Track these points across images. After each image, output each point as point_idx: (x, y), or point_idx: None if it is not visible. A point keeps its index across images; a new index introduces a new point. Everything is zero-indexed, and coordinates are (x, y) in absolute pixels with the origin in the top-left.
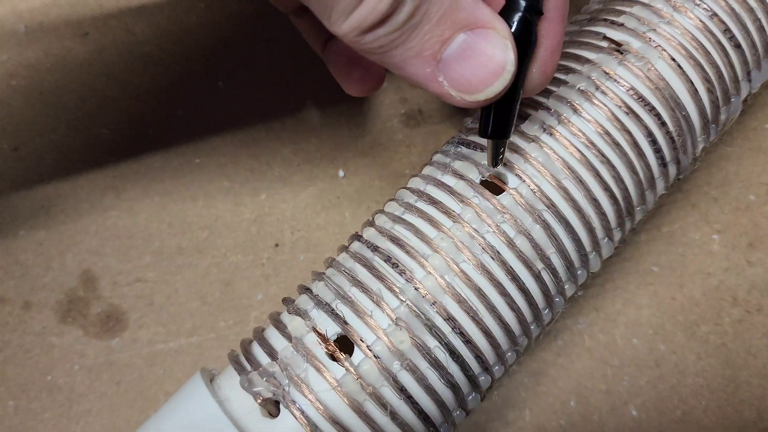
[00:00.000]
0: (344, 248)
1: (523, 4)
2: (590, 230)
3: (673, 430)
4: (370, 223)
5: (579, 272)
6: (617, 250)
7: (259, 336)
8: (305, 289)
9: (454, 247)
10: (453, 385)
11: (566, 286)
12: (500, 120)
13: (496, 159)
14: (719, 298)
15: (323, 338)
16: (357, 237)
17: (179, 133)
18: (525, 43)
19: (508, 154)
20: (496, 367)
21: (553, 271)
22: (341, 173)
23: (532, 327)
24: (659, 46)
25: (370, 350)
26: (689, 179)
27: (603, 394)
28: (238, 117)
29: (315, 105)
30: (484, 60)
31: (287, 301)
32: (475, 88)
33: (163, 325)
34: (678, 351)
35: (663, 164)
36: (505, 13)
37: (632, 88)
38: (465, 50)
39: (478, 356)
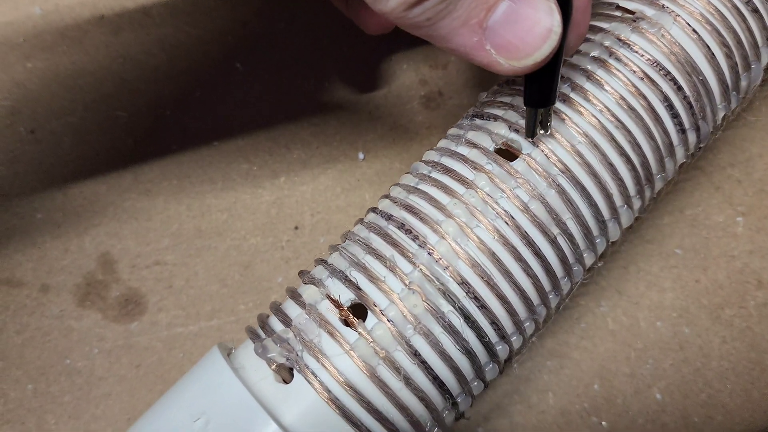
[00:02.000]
0: (359, 221)
1: None
2: (607, 196)
3: (697, 413)
4: (385, 196)
5: (597, 240)
6: (640, 232)
7: (276, 308)
8: (321, 261)
9: (467, 213)
10: (468, 352)
11: (585, 255)
12: (545, 86)
13: (533, 128)
14: (744, 281)
15: (337, 304)
16: (372, 209)
17: (197, 115)
18: (564, 5)
19: (520, 121)
20: (514, 337)
21: (570, 237)
22: (361, 155)
23: (550, 296)
24: (673, 12)
25: (383, 315)
26: (712, 161)
27: (627, 377)
28: (256, 99)
29: (334, 87)
30: (530, 24)
31: (303, 273)
32: (524, 53)
33: (182, 309)
34: (702, 334)
35: (682, 130)
36: None
37: (646, 53)
38: (510, 15)
39: (494, 322)
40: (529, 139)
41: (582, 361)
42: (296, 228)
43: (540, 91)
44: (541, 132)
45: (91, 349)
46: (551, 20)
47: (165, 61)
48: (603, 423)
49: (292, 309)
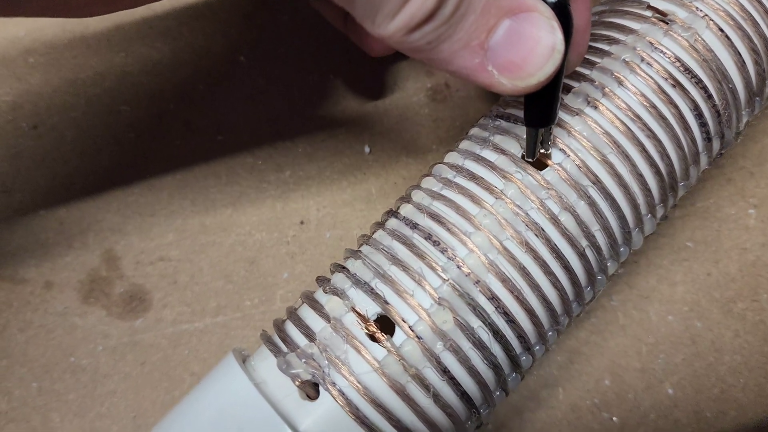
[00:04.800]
0: (379, 225)
1: None
2: (635, 206)
3: (710, 408)
4: (407, 200)
5: (622, 249)
6: None
7: (293, 316)
8: (341, 268)
9: (497, 224)
10: (495, 366)
11: (609, 264)
12: (546, 106)
13: (534, 149)
14: (756, 274)
15: (363, 318)
16: (393, 214)
17: (200, 109)
18: (565, 24)
19: None
20: (537, 347)
21: (597, 249)
22: (367, 149)
23: (573, 306)
24: (706, 15)
25: (412, 330)
26: (724, 153)
27: (638, 372)
28: (261, 92)
29: (339, 79)
30: (532, 43)
31: (322, 280)
32: (527, 73)
33: (187, 305)
34: (714, 328)
35: (708, 139)
36: None
37: (678, 60)
38: (512, 36)
39: (521, 336)
40: (530, 159)
41: (592, 356)
42: (302, 223)
43: (540, 111)
44: (542, 151)
45: (95, 347)
46: (553, 39)
47: (168, 55)
48: (614, 418)
49: (313, 320)
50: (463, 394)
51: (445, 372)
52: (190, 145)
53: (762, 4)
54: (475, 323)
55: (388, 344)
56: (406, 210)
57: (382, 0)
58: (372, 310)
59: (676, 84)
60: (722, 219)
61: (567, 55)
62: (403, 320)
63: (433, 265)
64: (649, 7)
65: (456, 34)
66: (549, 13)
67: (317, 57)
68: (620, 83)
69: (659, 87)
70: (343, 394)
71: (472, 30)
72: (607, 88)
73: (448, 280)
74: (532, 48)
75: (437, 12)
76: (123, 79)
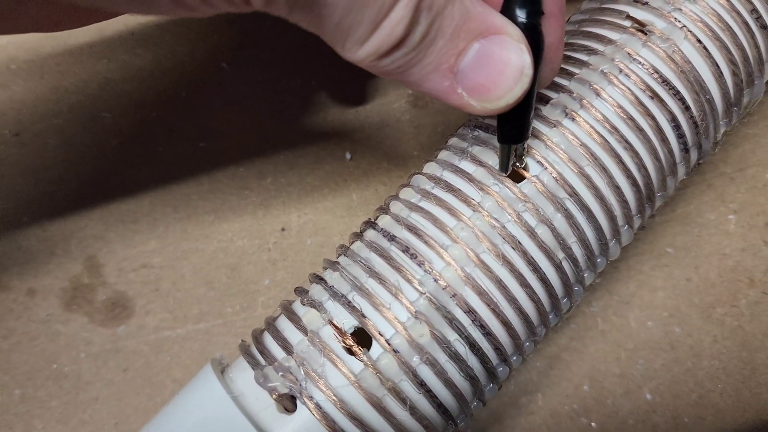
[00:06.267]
0: (357, 236)
1: (524, 8)
2: (612, 218)
3: (688, 413)
4: (385, 210)
5: (599, 260)
6: None
7: (271, 327)
8: (319, 279)
9: (474, 238)
10: (472, 378)
11: (585, 275)
12: (518, 124)
13: (507, 164)
14: (736, 280)
15: (340, 332)
16: (371, 224)
17: (183, 116)
18: (535, 45)
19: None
20: (514, 358)
21: (574, 261)
22: (348, 155)
23: (550, 317)
24: (684, 26)
25: (389, 344)
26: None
27: (617, 378)
28: (243, 98)
29: (321, 86)
30: (500, 66)
31: (300, 291)
32: (495, 95)
33: (169, 312)
34: (693, 333)
35: (685, 149)
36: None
37: (656, 71)
38: (481, 58)
39: (498, 348)
40: (504, 174)
41: (572, 361)
42: (283, 229)
43: (513, 128)
44: (516, 166)
45: (78, 354)
46: (522, 61)
47: (150, 61)
48: (593, 424)
49: (290, 332)
50: (439, 406)
51: (421, 385)
52: (172, 152)
53: (740, 15)
54: (452, 336)
55: (364, 358)
56: (384, 221)
57: (351, 27)
58: (349, 323)
59: (654, 95)
60: (702, 224)
61: (538, 73)
62: (380, 334)
63: (410, 278)
64: (628, 17)
65: (426, 59)
66: (518, 35)
67: (299, 63)
68: (598, 95)
69: (637, 99)
70: (320, 407)
71: (441, 54)
72: (585, 100)
73: (425, 294)
74: (501, 71)
75: (406, 39)
76: (106, 86)
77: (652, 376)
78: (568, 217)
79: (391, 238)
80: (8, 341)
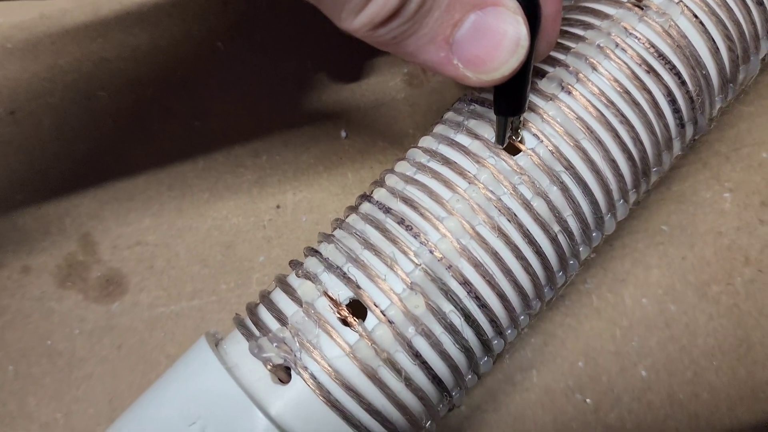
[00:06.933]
0: (352, 209)
1: None
2: (607, 192)
3: (683, 391)
4: (380, 183)
5: (594, 234)
6: None
7: (266, 300)
8: (314, 252)
9: (469, 210)
10: (467, 350)
11: (581, 249)
12: (514, 96)
13: (504, 136)
14: (731, 258)
15: (335, 303)
16: (367, 198)
17: (178, 95)
18: (532, 16)
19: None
20: (509, 331)
21: (570, 234)
22: (343, 133)
23: (545, 290)
24: (681, 1)
25: (384, 315)
26: (700, 137)
27: (612, 355)
28: (238, 78)
29: (316, 65)
30: (497, 37)
31: (295, 264)
32: (491, 67)
33: (163, 289)
34: (689, 311)
35: (681, 125)
36: None
37: (653, 46)
38: (477, 30)
39: (493, 320)
40: (500, 146)
41: (567, 339)
42: (278, 207)
43: (509, 100)
44: (512, 138)
45: (72, 331)
46: (518, 32)
47: (146, 41)
48: (588, 401)
49: (285, 304)
50: (434, 378)
51: (416, 356)
52: (167, 131)
53: None
54: (447, 308)
55: (360, 329)
56: (379, 194)
57: None
58: (344, 294)
59: (650, 70)
60: (698, 203)
61: (535, 45)
62: (375, 305)
63: (406, 249)
64: None
65: (421, 30)
66: (515, 6)
67: (294, 42)
68: (594, 68)
69: (633, 73)
70: (315, 378)
71: (437, 25)
72: (581, 74)
73: (420, 265)
74: (497, 42)
75: (402, 9)
76: (101, 65)
77: (647, 354)
78: (564, 190)
79: (387, 210)
80: (2, 318)
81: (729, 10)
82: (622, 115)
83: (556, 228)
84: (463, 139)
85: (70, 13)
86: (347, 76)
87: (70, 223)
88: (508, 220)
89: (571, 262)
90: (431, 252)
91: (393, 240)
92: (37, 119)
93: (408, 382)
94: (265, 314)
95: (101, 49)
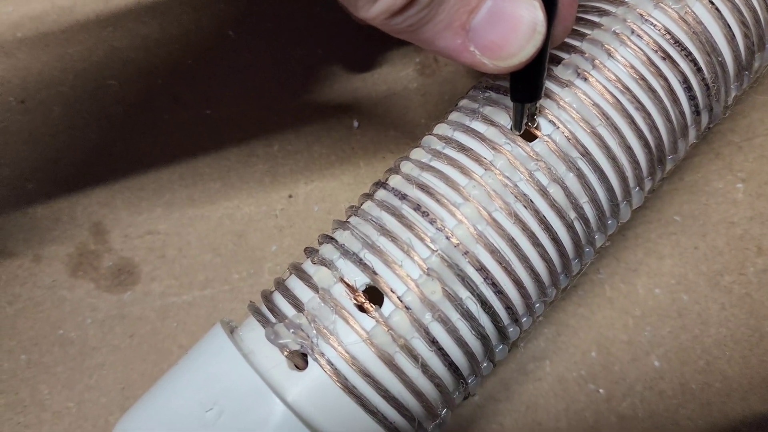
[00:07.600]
0: (367, 196)
1: None
2: (623, 179)
3: (695, 380)
4: (395, 171)
5: (609, 222)
6: None
7: (282, 286)
8: (329, 239)
9: (486, 196)
10: (483, 337)
11: (596, 236)
12: (531, 82)
13: (521, 123)
14: (743, 248)
15: (352, 289)
16: (382, 185)
17: (189, 84)
18: (548, 1)
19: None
20: (525, 318)
21: (585, 221)
22: (355, 123)
23: (561, 277)
24: None
25: (401, 301)
26: (713, 126)
27: (624, 345)
28: (249, 66)
29: (327, 54)
30: (513, 23)
31: (310, 251)
32: (508, 53)
33: (175, 278)
34: (701, 301)
35: (696, 112)
36: None
37: (668, 32)
38: (493, 16)
39: (509, 307)
40: (517, 133)
41: (579, 328)
42: (290, 196)
43: (526, 86)
44: (528, 125)
45: (84, 319)
46: (535, 18)
47: (156, 29)
48: (600, 390)
49: (301, 290)
50: (451, 365)
51: (433, 342)
52: (178, 120)
53: None
54: (464, 294)
55: (376, 315)
56: (394, 181)
57: None
58: (360, 280)
59: (666, 56)
60: (710, 193)
61: (551, 31)
62: (392, 291)
63: (422, 235)
64: None
65: (438, 16)
66: None
67: (305, 31)
68: (610, 55)
69: (649, 59)
70: (332, 364)
71: (453, 11)
72: (597, 60)
73: (436, 251)
74: (513, 28)
75: None
76: (111, 53)
77: (660, 343)
78: (580, 176)
79: (402, 197)
80: (14, 307)
81: None
82: (638, 101)
83: (572, 215)
84: (478, 125)
85: (80, 2)
86: (359, 66)
87: (81, 212)
88: (525, 207)
89: (587, 249)
90: (448, 238)
91: (409, 226)
92: (48, 108)
93: (424, 368)
94: (280, 301)
95: (112, 38)
